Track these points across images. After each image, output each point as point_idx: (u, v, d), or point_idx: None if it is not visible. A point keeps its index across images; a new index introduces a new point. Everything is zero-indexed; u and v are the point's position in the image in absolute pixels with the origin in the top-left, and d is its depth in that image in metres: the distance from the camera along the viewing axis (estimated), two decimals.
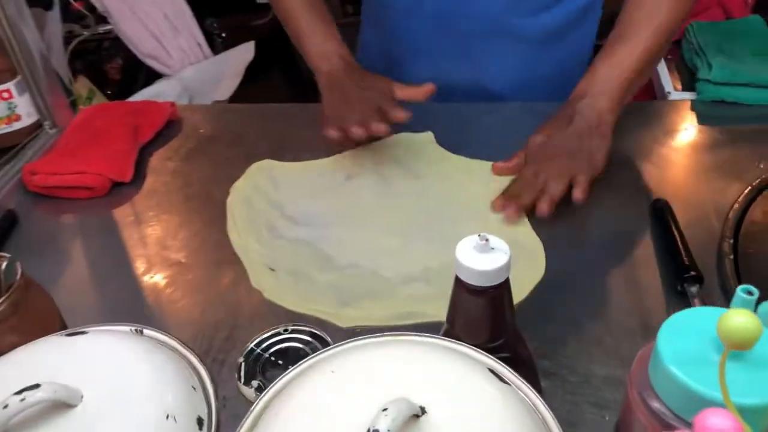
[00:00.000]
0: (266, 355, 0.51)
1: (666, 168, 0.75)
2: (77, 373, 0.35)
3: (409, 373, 0.34)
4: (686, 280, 0.57)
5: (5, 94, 0.88)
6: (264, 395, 0.36)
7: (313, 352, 0.39)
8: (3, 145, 0.89)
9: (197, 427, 0.35)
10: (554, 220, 0.67)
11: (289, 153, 0.83)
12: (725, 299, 0.57)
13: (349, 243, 0.68)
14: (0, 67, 0.87)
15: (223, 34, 1.84)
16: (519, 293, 0.60)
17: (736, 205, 0.66)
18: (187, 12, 1.61)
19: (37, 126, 0.92)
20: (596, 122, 0.70)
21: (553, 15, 0.85)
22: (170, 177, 0.82)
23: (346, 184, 0.76)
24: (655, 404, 0.30)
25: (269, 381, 0.43)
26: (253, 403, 0.36)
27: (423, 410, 0.31)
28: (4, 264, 0.45)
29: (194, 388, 0.37)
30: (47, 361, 0.37)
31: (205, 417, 0.36)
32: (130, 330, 0.41)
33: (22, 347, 0.38)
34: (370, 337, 0.39)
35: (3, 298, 0.44)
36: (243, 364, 0.50)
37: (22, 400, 0.31)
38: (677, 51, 0.94)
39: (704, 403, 0.23)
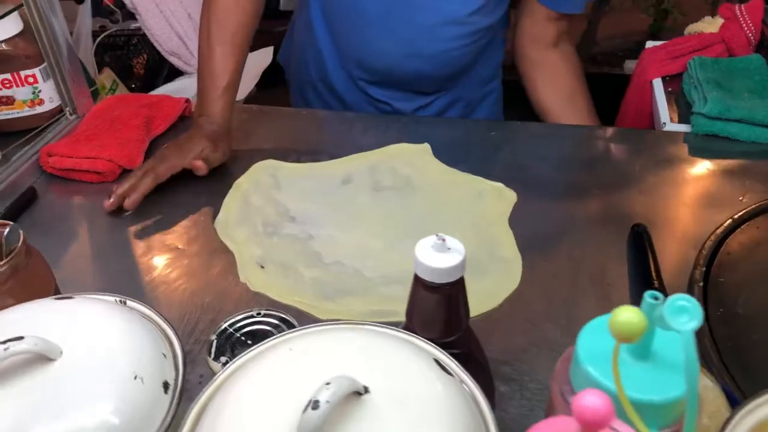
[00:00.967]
0: (237, 334, 0.54)
1: (652, 195, 0.77)
2: (59, 332, 0.38)
3: (359, 355, 0.37)
4: None
5: (30, 79, 0.93)
6: (227, 368, 0.39)
7: None
8: (26, 127, 0.94)
9: (163, 390, 0.38)
10: (535, 236, 0.70)
11: (293, 155, 0.87)
12: None
13: (338, 243, 0.71)
14: (28, 53, 0.92)
15: None
16: (491, 301, 0.62)
17: (713, 237, 0.68)
18: None
19: (58, 111, 0.97)
20: None
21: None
22: None
23: (343, 188, 0.80)
24: (572, 398, 0.33)
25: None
26: None
27: (366, 389, 0.34)
28: (7, 230, 0.49)
29: (164, 355, 0.40)
30: (34, 319, 0.40)
31: (171, 382, 0.39)
32: (115, 300, 0.45)
33: (14, 307, 0.42)
34: (331, 323, 0.42)
35: (4, 261, 0.47)
36: (215, 341, 0.53)
37: (6, 349, 0.35)
38: (678, 83, 0.96)
39: (610, 394, 0.26)
